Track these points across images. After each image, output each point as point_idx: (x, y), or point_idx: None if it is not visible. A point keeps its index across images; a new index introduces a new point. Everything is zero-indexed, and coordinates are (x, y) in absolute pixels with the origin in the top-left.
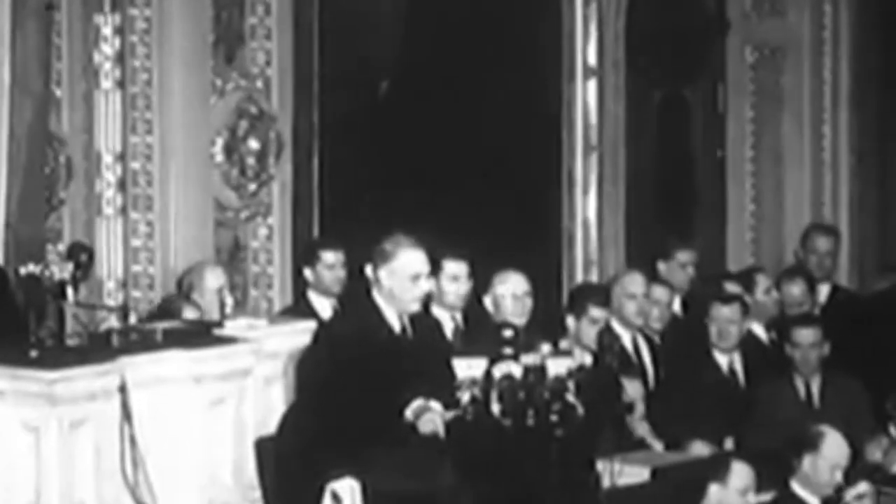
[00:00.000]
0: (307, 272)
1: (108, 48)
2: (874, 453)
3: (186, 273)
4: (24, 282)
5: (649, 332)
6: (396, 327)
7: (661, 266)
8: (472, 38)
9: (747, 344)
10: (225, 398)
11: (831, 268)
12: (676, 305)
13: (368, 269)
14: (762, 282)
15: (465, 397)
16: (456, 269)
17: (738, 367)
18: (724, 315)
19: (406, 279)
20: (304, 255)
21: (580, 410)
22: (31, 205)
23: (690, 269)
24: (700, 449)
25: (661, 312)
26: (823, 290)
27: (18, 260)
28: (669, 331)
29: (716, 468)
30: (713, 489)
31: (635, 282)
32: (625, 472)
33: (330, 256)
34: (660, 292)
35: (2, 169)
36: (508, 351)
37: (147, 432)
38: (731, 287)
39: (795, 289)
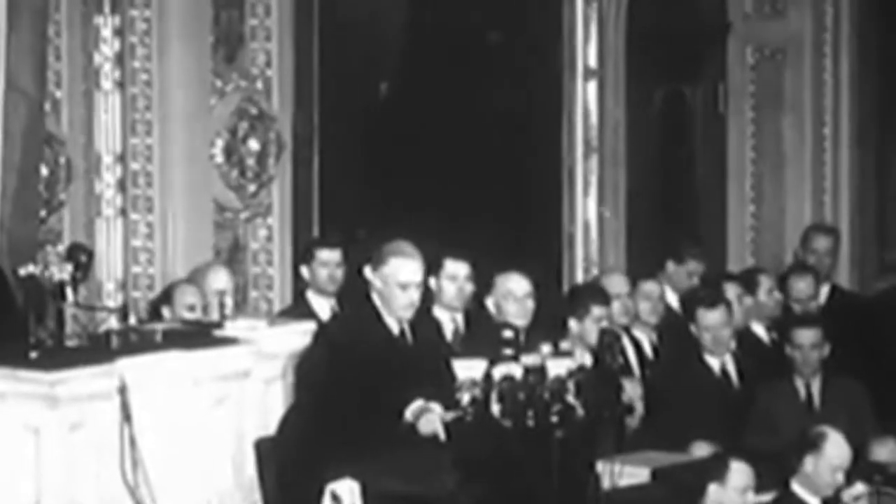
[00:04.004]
0: (304, 270)
1: (108, 49)
2: (879, 453)
3: (194, 272)
4: (23, 283)
5: (643, 329)
6: (395, 329)
7: (670, 266)
8: (473, 39)
9: (748, 344)
10: (224, 399)
11: (831, 268)
12: (674, 302)
13: (367, 271)
14: (764, 282)
15: (465, 398)
16: (454, 269)
17: (731, 367)
18: (711, 320)
19: (394, 286)
20: (301, 253)
21: (580, 411)
22: (25, 206)
23: (696, 279)
24: (702, 450)
25: (653, 306)
26: (823, 291)
27: (12, 261)
28: (667, 326)
29: (714, 467)
30: (712, 489)
31: (617, 282)
32: (625, 473)
33: (325, 254)
34: (650, 287)
35: None
36: (508, 352)
37: (147, 433)
38: (731, 287)
39: (802, 283)
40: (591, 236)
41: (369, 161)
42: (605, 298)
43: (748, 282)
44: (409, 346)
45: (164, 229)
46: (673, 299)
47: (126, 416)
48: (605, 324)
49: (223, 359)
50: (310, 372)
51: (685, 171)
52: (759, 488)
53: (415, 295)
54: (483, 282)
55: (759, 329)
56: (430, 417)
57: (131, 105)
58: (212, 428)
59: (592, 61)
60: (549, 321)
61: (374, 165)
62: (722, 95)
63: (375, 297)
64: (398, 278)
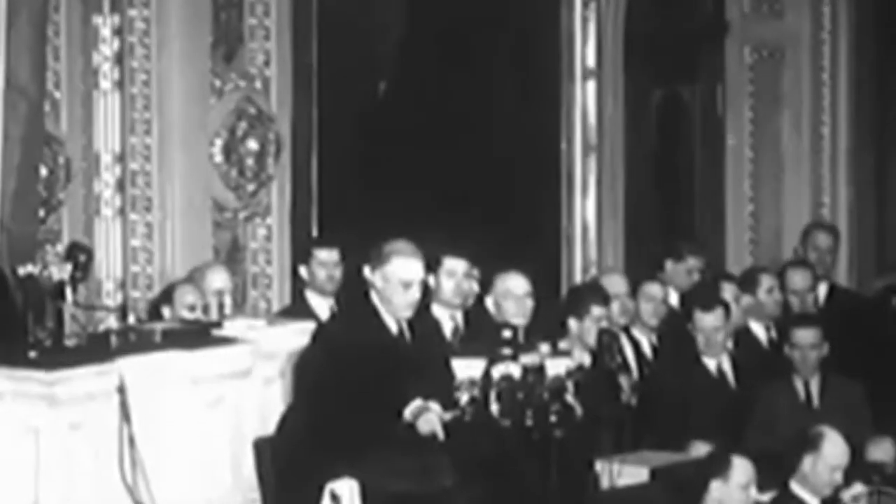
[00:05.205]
0: (302, 270)
1: (107, 49)
2: (877, 453)
3: (193, 272)
4: (22, 282)
5: (642, 330)
6: (394, 329)
7: (669, 265)
8: (471, 39)
9: (746, 344)
10: (223, 398)
11: (831, 265)
12: (674, 300)
13: (367, 271)
14: (765, 281)
15: (463, 398)
16: (452, 265)
17: (727, 367)
18: (707, 323)
19: (397, 285)
20: (299, 253)
21: (579, 411)
22: (25, 205)
23: (696, 275)
24: (700, 449)
25: (655, 308)
26: (821, 290)
27: (12, 260)
28: (667, 326)
29: (716, 464)
30: (714, 485)
31: (616, 282)
32: (624, 473)
33: (323, 254)
34: (653, 289)
35: None
36: (507, 351)
37: (146, 433)
38: (729, 288)
39: (799, 276)
40: (589, 236)
41: (368, 161)
42: (604, 298)
43: (748, 281)
44: (407, 345)
45: (162, 229)
46: (673, 298)
47: (125, 415)
48: (604, 324)
49: (222, 358)
50: (308, 371)
51: (684, 171)
52: (759, 488)
53: (416, 293)
54: (482, 281)
55: (757, 329)
56: (428, 417)
57: (130, 105)
58: (210, 427)
59: (591, 62)
60: (548, 321)
61: (373, 165)
62: (720, 95)
63: (374, 297)
64: (400, 277)
